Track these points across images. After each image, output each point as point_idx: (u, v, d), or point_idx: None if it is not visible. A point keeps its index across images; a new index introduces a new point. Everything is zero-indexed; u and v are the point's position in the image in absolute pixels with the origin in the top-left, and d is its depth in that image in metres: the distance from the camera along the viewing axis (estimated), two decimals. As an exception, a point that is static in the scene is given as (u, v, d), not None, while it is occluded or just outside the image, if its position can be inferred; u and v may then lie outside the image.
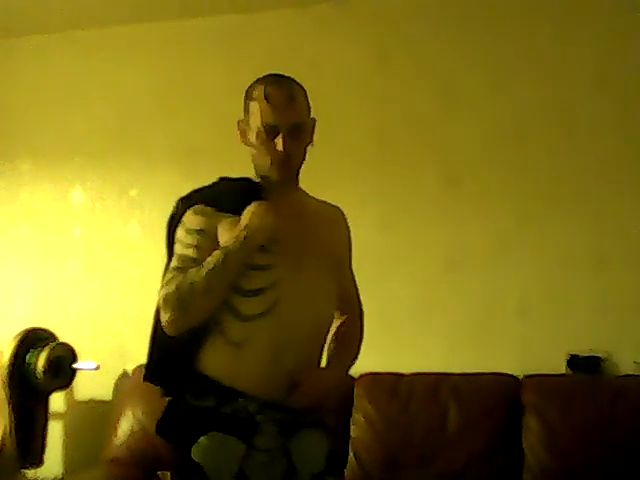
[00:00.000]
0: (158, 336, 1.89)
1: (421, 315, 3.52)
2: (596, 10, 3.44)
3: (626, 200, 3.35)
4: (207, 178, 2.00)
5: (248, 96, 1.91)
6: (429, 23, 3.67)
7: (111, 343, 3.84)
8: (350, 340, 2.03)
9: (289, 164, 1.87)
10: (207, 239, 1.83)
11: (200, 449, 1.77)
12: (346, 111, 3.69)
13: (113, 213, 4.05)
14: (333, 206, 2.07)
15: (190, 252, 1.83)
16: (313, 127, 1.96)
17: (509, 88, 3.53)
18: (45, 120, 4.16)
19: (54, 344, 3.53)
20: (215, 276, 1.76)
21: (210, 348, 1.85)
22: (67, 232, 4.10)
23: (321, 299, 1.91)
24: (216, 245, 1.82)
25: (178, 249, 1.87)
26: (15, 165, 4.21)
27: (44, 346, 3.50)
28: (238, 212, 1.83)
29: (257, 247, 1.79)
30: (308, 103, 1.94)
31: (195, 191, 1.96)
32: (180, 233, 1.88)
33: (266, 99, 1.85)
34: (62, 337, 3.62)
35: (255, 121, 1.86)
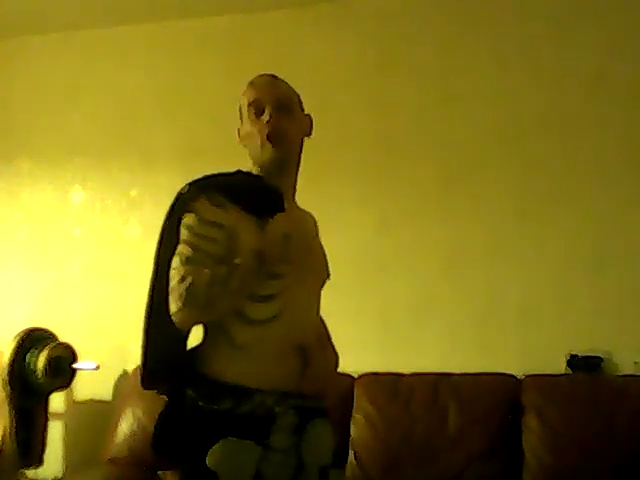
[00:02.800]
0: (152, 339, 1.85)
1: (421, 315, 3.53)
2: (596, 11, 3.45)
3: (626, 200, 3.35)
4: (207, 178, 1.99)
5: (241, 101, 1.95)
6: (429, 23, 3.68)
7: (111, 343, 3.84)
8: (327, 343, 2.02)
9: (280, 138, 1.85)
10: (223, 234, 1.77)
11: (215, 456, 1.72)
12: (346, 111, 3.70)
13: (113, 213, 4.05)
14: (308, 213, 2.06)
15: (207, 246, 1.76)
16: (310, 121, 1.97)
17: (509, 88, 3.53)
18: (45, 120, 4.16)
19: (54, 344, 3.53)
20: (250, 278, 1.75)
21: (216, 354, 1.82)
22: (67, 232, 4.10)
23: (315, 305, 1.94)
24: (231, 243, 1.77)
25: (193, 239, 1.78)
26: (15, 165, 4.21)
27: (44, 346, 3.49)
28: (256, 212, 1.80)
29: (286, 256, 1.78)
30: (297, 94, 1.95)
31: (208, 177, 1.89)
32: (195, 222, 1.80)
33: (250, 85, 1.91)
34: (62, 337, 3.62)
35: (244, 108, 1.90)
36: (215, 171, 1.93)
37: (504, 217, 3.49)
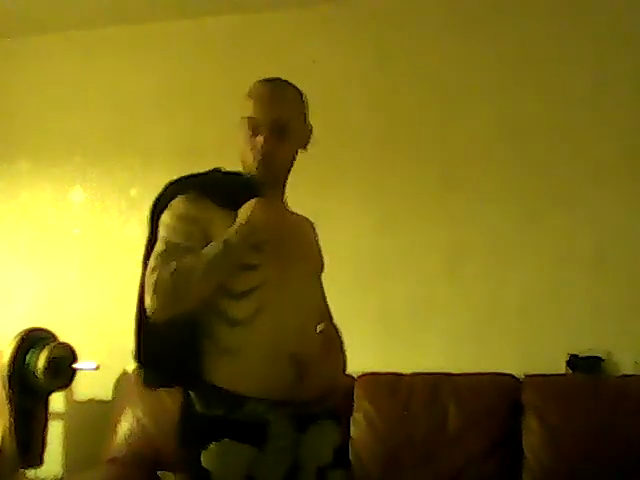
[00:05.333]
0: (145, 338, 1.90)
1: (421, 315, 3.52)
2: (596, 13, 3.45)
3: (626, 200, 3.35)
4: (207, 178, 1.99)
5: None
6: (429, 23, 3.68)
7: (111, 343, 3.82)
8: (335, 344, 1.98)
9: (270, 163, 1.85)
10: (199, 229, 1.81)
11: (209, 455, 1.75)
12: (346, 111, 3.69)
13: (113, 213, 4.05)
14: (304, 218, 2.06)
15: (180, 239, 1.80)
16: (309, 133, 1.95)
17: (509, 88, 3.53)
18: (45, 120, 4.16)
19: (54, 344, 3.53)
20: (215, 266, 1.74)
21: (208, 358, 1.84)
22: (67, 232, 4.09)
23: (308, 299, 1.91)
24: (207, 237, 1.79)
25: (167, 234, 1.83)
26: (15, 165, 4.20)
27: (44, 346, 3.50)
28: (233, 206, 1.80)
29: (254, 243, 1.77)
30: (301, 106, 1.93)
31: (187, 177, 1.92)
32: (169, 218, 1.85)
33: (250, 94, 1.88)
34: (62, 337, 3.62)
35: (242, 116, 1.87)
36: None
37: (504, 217, 3.48)
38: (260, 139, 1.83)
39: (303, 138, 1.94)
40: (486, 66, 3.57)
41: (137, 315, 1.90)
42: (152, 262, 1.80)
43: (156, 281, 1.76)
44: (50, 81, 4.19)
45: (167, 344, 1.87)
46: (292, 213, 2.02)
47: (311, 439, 1.82)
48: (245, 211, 1.78)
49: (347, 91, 3.72)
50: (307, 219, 2.07)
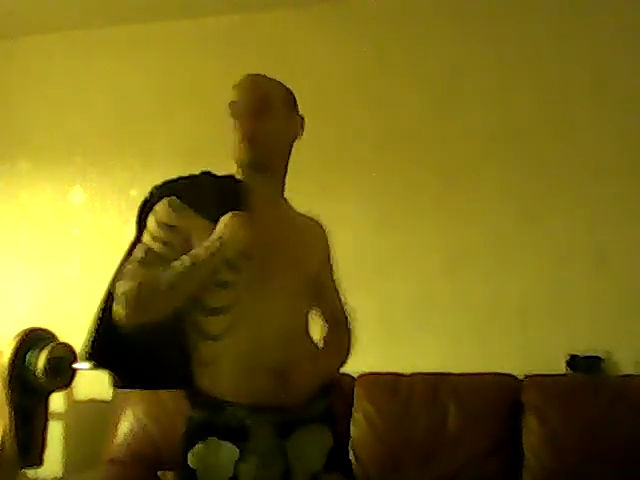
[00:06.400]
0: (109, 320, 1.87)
1: (421, 315, 3.52)
2: (596, 13, 3.45)
3: (626, 200, 3.35)
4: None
5: None
6: (428, 23, 3.68)
7: (111, 343, 3.83)
8: (335, 352, 2.01)
9: (254, 142, 1.83)
10: (177, 237, 1.79)
11: (194, 455, 1.77)
12: (345, 111, 3.70)
13: (113, 213, 4.05)
14: (313, 220, 2.03)
15: (157, 246, 1.80)
16: (300, 122, 1.95)
17: (509, 88, 3.54)
18: (45, 120, 4.16)
19: (54, 344, 3.53)
20: (181, 280, 1.72)
21: (195, 366, 1.84)
22: (67, 232, 4.10)
23: (290, 311, 1.86)
24: (185, 245, 1.77)
25: (147, 240, 1.83)
26: (15, 165, 4.21)
27: (44, 346, 3.50)
28: (215, 216, 1.77)
29: (225, 260, 1.75)
30: (284, 91, 1.92)
31: (173, 180, 1.90)
32: (151, 223, 1.84)
33: (234, 86, 1.89)
34: (62, 337, 3.62)
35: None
36: (213, 171, 1.94)
37: (504, 217, 3.48)
38: (240, 116, 1.83)
39: (294, 125, 1.93)
40: (486, 66, 3.57)
41: (99, 311, 1.92)
42: (126, 268, 1.80)
43: (124, 290, 1.75)
44: (50, 81, 4.19)
45: (147, 345, 1.85)
46: (300, 215, 1.99)
47: (298, 444, 1.81)
48: (219, 226, 1.75)
49: (347, 91, 3.72)
50: (316, 221, 2.03)
